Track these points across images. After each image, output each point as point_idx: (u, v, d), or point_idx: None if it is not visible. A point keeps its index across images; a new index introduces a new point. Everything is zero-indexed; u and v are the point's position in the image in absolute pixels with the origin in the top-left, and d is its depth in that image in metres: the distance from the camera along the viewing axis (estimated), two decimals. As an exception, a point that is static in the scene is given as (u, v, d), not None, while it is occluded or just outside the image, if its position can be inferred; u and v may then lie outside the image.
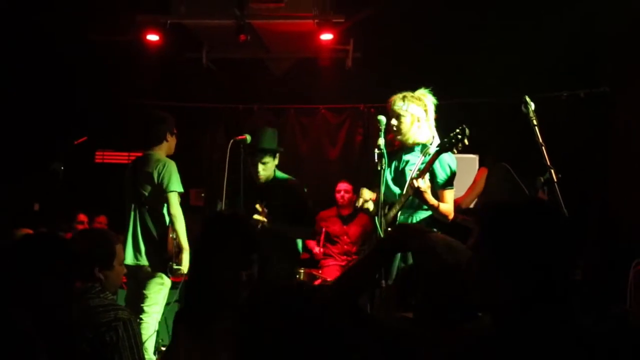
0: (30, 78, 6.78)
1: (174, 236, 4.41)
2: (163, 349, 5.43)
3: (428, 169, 3.57)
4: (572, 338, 1.50)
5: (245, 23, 5.82)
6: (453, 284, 1.98)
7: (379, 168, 3.61)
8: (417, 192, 3.56)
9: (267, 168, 4.52)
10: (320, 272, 5.95)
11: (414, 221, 3.76)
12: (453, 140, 3.45)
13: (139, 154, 4.74)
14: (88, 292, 2.69)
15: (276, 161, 4.59)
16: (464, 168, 5.63)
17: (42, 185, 6.17)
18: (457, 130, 3.46)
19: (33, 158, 6.48)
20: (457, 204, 4.43)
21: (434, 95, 3.82)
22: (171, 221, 4.42)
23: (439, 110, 5.96)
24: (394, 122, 3.73)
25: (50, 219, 6.26)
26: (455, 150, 3.50)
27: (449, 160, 3.71)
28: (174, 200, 4.40)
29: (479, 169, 4.50)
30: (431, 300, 2.04)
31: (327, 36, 6.15)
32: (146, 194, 4.47)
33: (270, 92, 7.29)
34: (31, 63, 6.71)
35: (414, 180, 3.54)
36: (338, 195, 6.46)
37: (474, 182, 4.40)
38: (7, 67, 6.57)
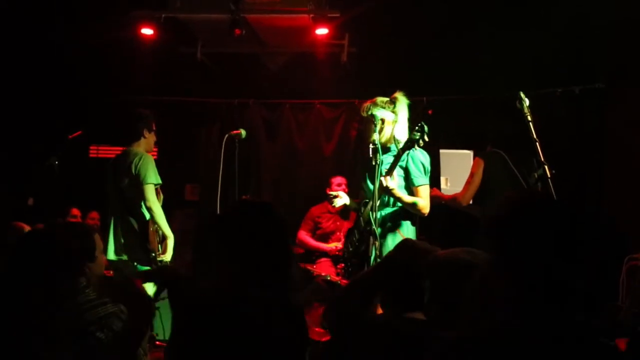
0: (25, 73, 6.76)
1: (154, 229, 4.46)
2: (157, 343, 5.44)
3: (394, 168, 3.76)
4: (576, 337, 1.50)
5: (240, 17, 5.80)
6: (465, 286, 2.00)
7: (373, 163, 3.71)
8: (387, 191, 3.76)
9: None
10: (314, 267, 5.96)
11: (388, 214, 3.92)
12: (413, 138, 3.64)
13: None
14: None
15: None
16: (459, 164, 5.63)
17: (38, 180, 6.15)
18: (417, 128, 3.64)
19: (28, 153, 6.46)
20: (458, 200, 4.47)
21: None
22: (150, 214, 4.47)
23: (434, 105, 6.00)
24: (362, 126, 3.99)
25: (44, 214, 6.24)
26: (416, 147, 3.67)
27: (421, 157, 3.88)
28: (150, 192, 4.46)
29: (473, 160, 4.49)
30: (443, 303, 2.06)
31: (322, 31, 6.14)
32: (125, 188, 4.54)
33: (265, 87, 7.26)
34: (26, 58, 6.69)
35: (382, 179, 3.72)
36: (338, 189, 6.42)
37: (471, 174, 4.40)
38: (1, 62, 6.55)
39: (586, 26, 5.65)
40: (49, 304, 2.49)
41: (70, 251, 2.61)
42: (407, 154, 3.81)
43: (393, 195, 3.79)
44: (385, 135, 3.90)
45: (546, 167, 3.17)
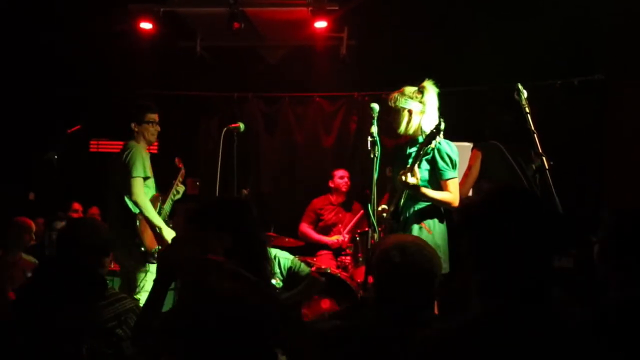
0: (24, 67, 6.76)
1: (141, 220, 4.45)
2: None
3: (414, 163, 3.63)
4: (551, 328, 1.50)
5: (239, 11, 5.81)
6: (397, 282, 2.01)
7: (372, 156, 3.68)
8: (408, 187, 3.64)
9: None
10: (314, 259, 5.97)
11: (415, 210, 3.82)
12: (430, 134, 3.56)
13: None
14: None
15: None
16: (459, 156, 5.62)
17: (38, 175, 6.17)
18: (435, 124, 3.57)
19: (29, 148, 6.47)
20: None
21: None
22: (138, 208, 4.42)
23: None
24: (390, 117, 3.85)
25: (45, 208, 6.26)
26: (433, 143, 3.57)
27: (447, 150, 3.76)
28: (135, 186, 4.39)
29: (472, 152, 4.48)
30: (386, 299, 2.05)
31: (321, 24, 6.14)
32: (119, 183, 4.50)
33: (264, 80, 7.26)
34: (25, 52, 6.69)
35: (402, 176, 3.61)
36: (341, 182, 6.41)
37: (469, 167, 4.39)
38: (1, 57, 6.55)
39: (585, 18, 5.64)
40: (71, 303, 2.50)
41: (91, 247, 2.64)
42: (434, 148, 3.69)
43: (414, 190, 3.66)
44: (413, 126, 3.80)
45: (544, 158, 3.17)
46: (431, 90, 3.82)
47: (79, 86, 6.98)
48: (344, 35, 6.60)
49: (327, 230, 6.42)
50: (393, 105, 3.81)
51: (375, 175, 3.69)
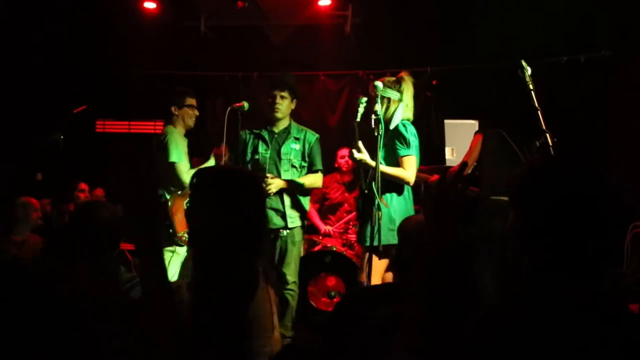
0: (29, 47, 6.76)
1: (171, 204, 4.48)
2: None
3: (358, 141, 3.99)
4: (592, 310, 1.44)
5: (243, -11, 5.79)
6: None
7: (376, 134, 3.72)
8: (357, 162, 3.99)
9: (284, 105, 4.68)
10: (320, 238, 6.01)
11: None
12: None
13: (140, 123, 4.80)
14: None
15: (293, 105, 4.77)
16: (464, 134, 5.61)
17: (44, 155, 6.20)
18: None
19: (34, 128, 6.49)
20: (454, 172, 4.45)
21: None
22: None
23: (438, 75, 5.95)
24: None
25: (52, 188, 6.30)
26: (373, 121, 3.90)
27: (403, 131, 3.99)
28: (176, 170, 4.48)
29: (474, 136, 4.48)
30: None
31: (325, 2, 6.12)
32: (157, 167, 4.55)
33: (269, 59, 7.24)
34: (29, 32, 6.69)
35: (353, 151, 3.94)
36: (342, 162, 6.44)
37: (470, 149, 4.39)
38: (5, 36, 6.55)
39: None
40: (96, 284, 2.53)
41: (113, 230, 2.67)
42: (393, 129, 3.99)
43: (363, 165, 3.96)
44: (390, 113, 4.04)
45: (548, 135, 3.16)
46: (408, 80, 4.09)
47: (84, 67, 6.99)
48: (349, 13, 6.57)
49: (333, 210, 6.44)
50: (373, 94, 4.02)
51: (380, 154, 3.72)
